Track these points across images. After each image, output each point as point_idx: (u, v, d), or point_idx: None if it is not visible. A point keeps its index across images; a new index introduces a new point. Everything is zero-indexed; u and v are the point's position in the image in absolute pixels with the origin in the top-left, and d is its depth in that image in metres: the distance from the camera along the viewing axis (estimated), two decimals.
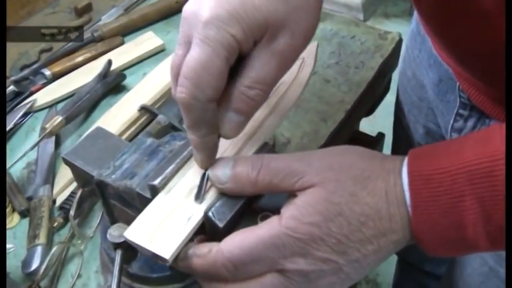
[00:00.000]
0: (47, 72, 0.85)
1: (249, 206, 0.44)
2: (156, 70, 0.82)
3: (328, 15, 0.90)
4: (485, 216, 0.37)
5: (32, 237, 0.65)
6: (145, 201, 0.45)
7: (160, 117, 0.69)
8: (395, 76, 0.89)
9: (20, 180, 0.74)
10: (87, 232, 0.66)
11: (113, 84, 0.82)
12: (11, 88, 0.83)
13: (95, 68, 0.83)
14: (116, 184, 0.47)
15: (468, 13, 0.48)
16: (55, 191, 0.71)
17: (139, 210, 0.44)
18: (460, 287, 0.77)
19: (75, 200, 0.66)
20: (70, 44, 0.90)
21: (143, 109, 0.74)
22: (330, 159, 0.42)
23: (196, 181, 0.44)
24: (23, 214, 0.69)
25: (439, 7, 0.53)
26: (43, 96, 0.82)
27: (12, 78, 0.84)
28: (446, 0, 0.50)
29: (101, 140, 0.52)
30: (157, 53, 0.89)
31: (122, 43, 0.91)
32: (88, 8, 0.98)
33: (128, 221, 0.44)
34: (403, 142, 0.92)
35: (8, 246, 0.65)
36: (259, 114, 0.50)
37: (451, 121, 0.69)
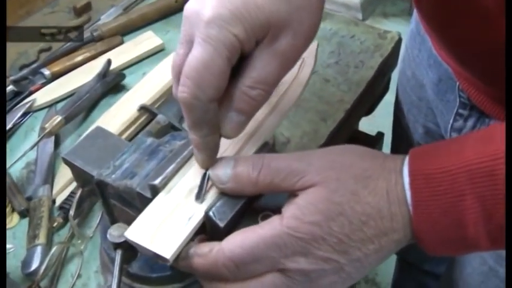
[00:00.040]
0: (46, 71, 0.84)
1: (250, 205, 0.44)
2: (156, 70, 0.82)
3: (327, 15, 0.90)
4: (486, 216, 0.37)
5: (32, 237, 0.65)
6: (145, 201, 0.45)
7: (160, 117, 0.69)
8: (394, 76, 0.89)
9: (20, 180, 0.73)
10: (87, 232, 0.66)
11: (112, 84, 0.82)
12: (10, 88, 0.82)
13: (94, 67, 0.83)
14: (116, 184, 0.47)
15: (468, 13, 0.49)
16: (55, 191, 0.70)
17: (139, 210, 0.44)
18: (460, 287, 0.77)
19: (75, 200, 0.66)
20: (69, 43, 0.90)
21: (143, 109, 0.74)
22: (331, 158, 0.42)
23: (197, 181, 0.44)
24: (23, 214, 0.69)
25: (439, 7, 0.53)
26: (42, 96, 0.82)
27: (12, 77, 0.84)
28: None
29: (101, 139, 0.52)
30: (157, 53, 0.89)
31: (121, 43, 0.90)
32: (87, 8, 0.98)
33: (128, 221, 0.44)
34: (402, 142, 0.92)
35: (7, 246, 0.65)
36: (259, 114, 0.50)
37: (451, 121, 0.69)
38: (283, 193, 0.42)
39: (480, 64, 0.55)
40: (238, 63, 0.40)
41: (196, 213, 0.42)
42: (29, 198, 0.70)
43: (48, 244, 0.65)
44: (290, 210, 0.40)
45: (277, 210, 0.41)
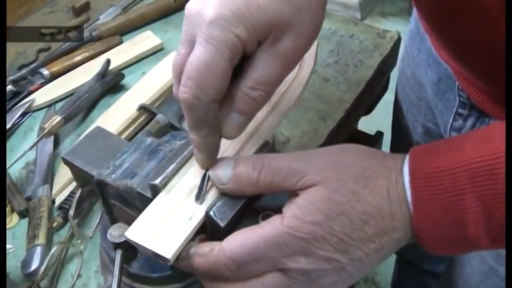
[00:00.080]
0: (45, 71, 0.84)
1: (250, 205, 0.44)
2: (155, 69, 0.81)
3: (327, 14, 0.89)
4: (486, 215, 0.38)
5: (32, 237, 0.65)
6: (146, 201, 0.44)
7: (160, 117, 0.69)
8: (394, 75, 0.89)
9: (19, 180, 0.73)
10: (87, 232, 0.66)
11: (111, 84, 0.82)
12: (9, 88, 0.82)
13: (93, 67, 0.83)
14: (116, 184, 0.47)
15: (468, 12, 0.49)
16: (54, 191, 0.70)
17: (139, 210, 0.44)
18: (460, 286, 0.77)
19: (75, 200, 0.66)
20: (68, 43, 0.90)
21: (142, 108, 0.74)
22: (331, 158, 0.42)
23: (197, 181, 0.44)
24: (22, 214, 0.69)
25: (439, 6, 0.53)
26: (41, 96, 0.82)
27: (10, 77, 0.83)
28: None
29: (100, 139, 0.52)
30: (156, 52, 0.89)
31: (120, 42, 0.90)
32: (86, 7, 0.98)
33: (128, 221, 0.44)
34: (402, 141, 0.92)
35: (7, 246, 0.65)
36: (259, 114, 0.49)
37: (450, 120, 0.69)
38: (283, 193, 0.42)
39: (480, 64, 0.55)
40: (240, 63, 0.40)
41: (196, 213, 0.42)
42: (29, 199, 0.70)
43: (48, 244, 0.65)
44: (291, 210, 0.40)
45: (277, 210, 0.41)
